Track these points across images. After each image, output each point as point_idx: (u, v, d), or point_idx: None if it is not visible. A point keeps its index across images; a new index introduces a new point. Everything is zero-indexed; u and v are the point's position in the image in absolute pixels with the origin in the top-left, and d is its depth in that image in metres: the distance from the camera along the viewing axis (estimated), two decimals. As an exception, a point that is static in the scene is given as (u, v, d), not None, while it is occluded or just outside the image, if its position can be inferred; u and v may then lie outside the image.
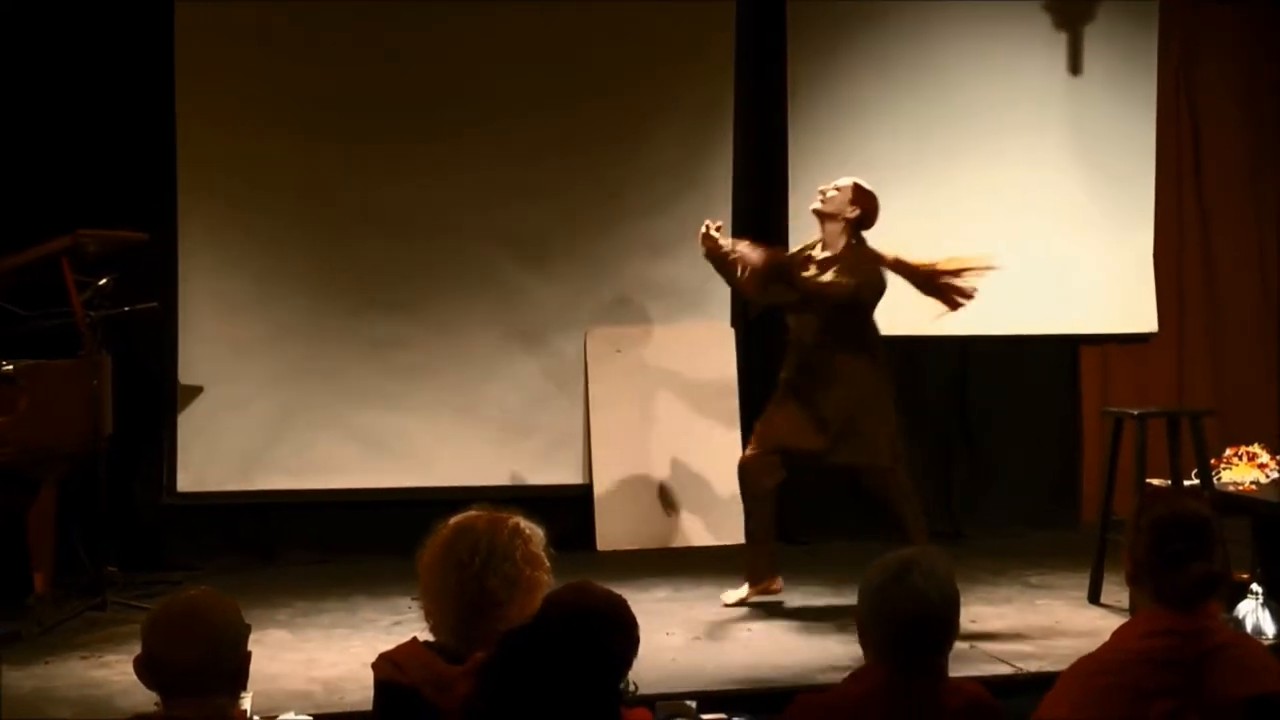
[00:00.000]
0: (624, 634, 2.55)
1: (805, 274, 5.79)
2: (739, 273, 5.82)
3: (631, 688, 2.66)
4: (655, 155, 7.37)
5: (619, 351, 7.35)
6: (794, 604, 5.93)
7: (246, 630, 2.53)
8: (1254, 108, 8.19)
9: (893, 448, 5.71)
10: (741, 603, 5.78)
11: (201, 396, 6.94)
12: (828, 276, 5.73)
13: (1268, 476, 6.22)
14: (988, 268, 5.72)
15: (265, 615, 5.67)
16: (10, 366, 5.53)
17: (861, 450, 5.67)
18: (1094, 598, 5.90)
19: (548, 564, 2.83)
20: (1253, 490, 5.99)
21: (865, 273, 5.73)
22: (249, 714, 3.92)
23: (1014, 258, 7.74)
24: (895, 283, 5.74)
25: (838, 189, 5.85)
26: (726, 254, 5.82)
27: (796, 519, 7.50)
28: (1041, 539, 7.43)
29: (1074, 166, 7.85)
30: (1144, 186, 7.95)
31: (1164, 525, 2.66)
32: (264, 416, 6.99)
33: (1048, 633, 5.38)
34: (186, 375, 6.94)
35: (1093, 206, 7.86)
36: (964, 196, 7.70)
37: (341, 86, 7.08)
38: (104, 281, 5.84)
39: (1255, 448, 6.44)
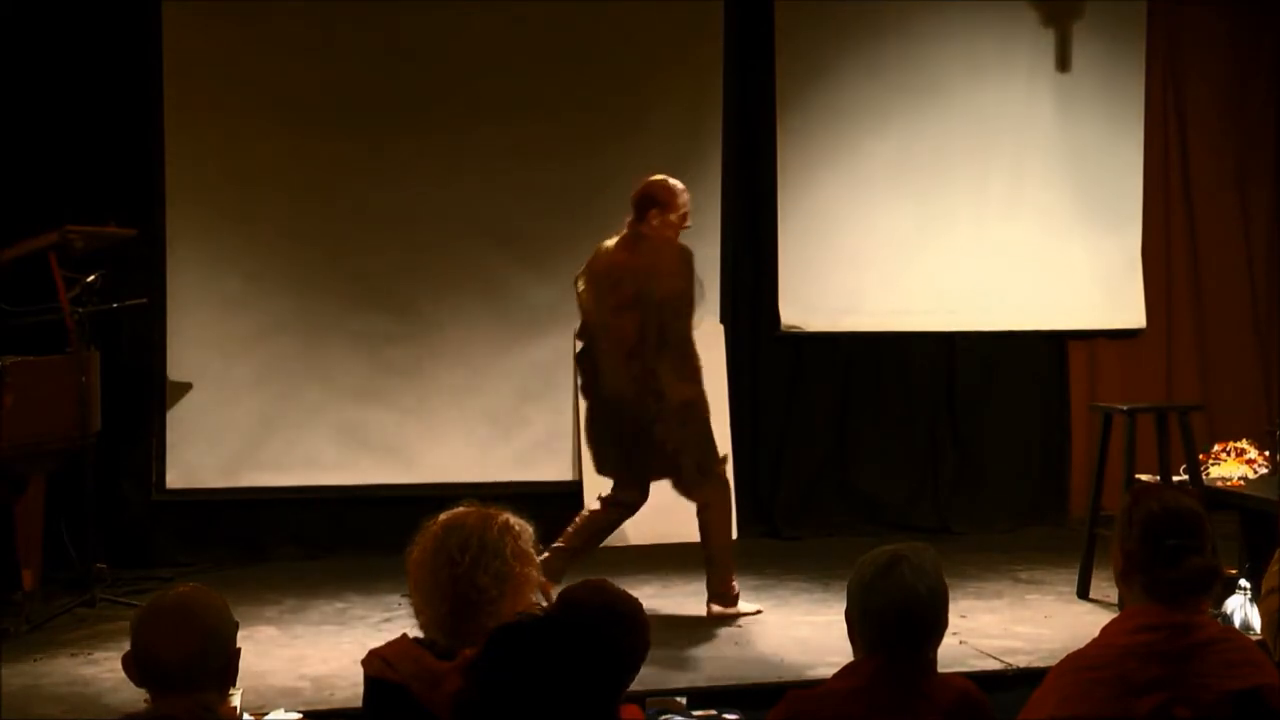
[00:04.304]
0: (639, 635, 2.55)
1: None
2: None
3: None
4: (645, 153, 7.34)
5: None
6: (783, 599, 5.93)
7: (235, 627, 2.53)
8: (1241, 103, 8.21)
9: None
10: None
11: (190, 393, 6.93)
12: None
13: (1256, 472, 6.23)
14: None
15: (254, 612, 5.67)
16: (-3, 362, 5.52)
17: None
18: (1083, 593, 5.92)
19: (538, 560, 2.83)
20: (1241, 486, 6.00)
21: None
22: (238, 711, 3.93)
23: (1002, 253, 7.79)
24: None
25: None
26: None
27: (784, 514, 7.53)
28: (1030, 534, 7.46)
29: (1062, 162, 7.86)
30: (1132, 182, 7.96)
31: (1157, 519, 2.66)
32: (253, 413, 6.98)
33: (1037, 628, 5.39)
34: (175, 371, 6.93)
35: (1081, 202, 7.87)
36: (952, 193, 7.71)
37: (331, 83, 7.06)
38: (92, 278, 5.83)
39: (1243, 443, 6.45)
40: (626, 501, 5.74)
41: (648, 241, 5.54)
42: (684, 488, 5.68)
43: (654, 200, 5.56)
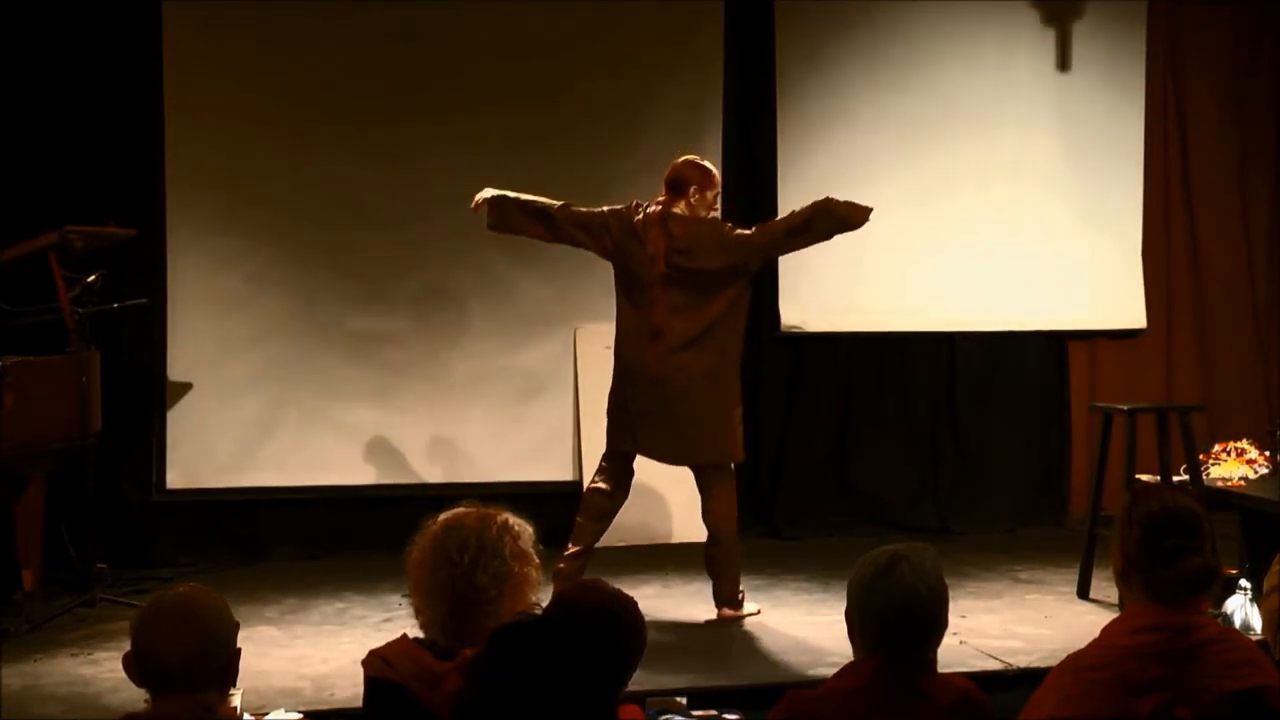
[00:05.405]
0: (633, 635, 2.55)
1: None
2: None
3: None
4: (644, 150, 7.35)
5: (608, 348, 7.33)
6: (783, 599, 5.93)
7: (236, 627, 2.53)
8: (1241, 104, 8.21)
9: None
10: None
11: (190, 393, 6.93)
12: None
13: (1256, 472, 6.23)
14: None
15: (254, 612, 5.67)
16: (-3, 362, 5.52)
17: None
18: (1083, 593, 5.92)
19: (537, 560, 2.83)
20: (1241, 486, 6.00)
21: None
22: (238, 711, 3.92)
23: (1002, 253, 7.79)
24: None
25: None
26: None
27: (784, 514, 7.53)
28: (1030, 534, 7.46)
29: (1062, 162, 7.86)
30: (1132, 182, 7.96)
31: (1156, 520, 2.66)
32: (253, 413, 6.99)
33: (1037, 628, 5.39)
34: (175, 372, 6.93)
35: (1081, 202, 7.87)
36: (952, 192, 7.71)
37: (332, 84, 7.07)
38: (93, 278, 5.82)
39: (1243, 443, 6.45)
40: (612, 488, 5.70)
41: (682, 219, 5.51)
42: (700, 471, 5.62)
43: (690, 180, 5.56)
